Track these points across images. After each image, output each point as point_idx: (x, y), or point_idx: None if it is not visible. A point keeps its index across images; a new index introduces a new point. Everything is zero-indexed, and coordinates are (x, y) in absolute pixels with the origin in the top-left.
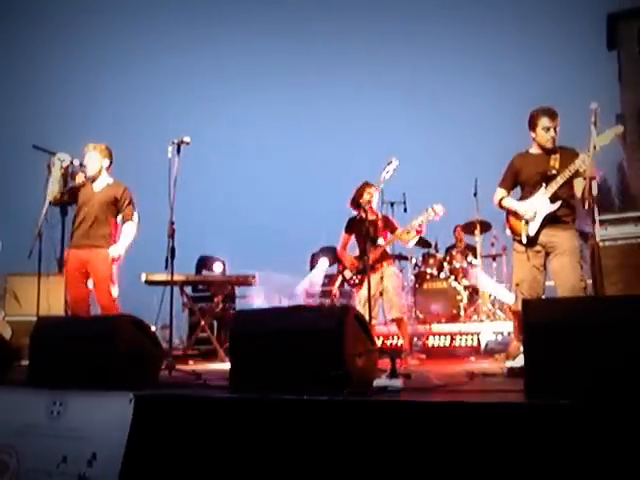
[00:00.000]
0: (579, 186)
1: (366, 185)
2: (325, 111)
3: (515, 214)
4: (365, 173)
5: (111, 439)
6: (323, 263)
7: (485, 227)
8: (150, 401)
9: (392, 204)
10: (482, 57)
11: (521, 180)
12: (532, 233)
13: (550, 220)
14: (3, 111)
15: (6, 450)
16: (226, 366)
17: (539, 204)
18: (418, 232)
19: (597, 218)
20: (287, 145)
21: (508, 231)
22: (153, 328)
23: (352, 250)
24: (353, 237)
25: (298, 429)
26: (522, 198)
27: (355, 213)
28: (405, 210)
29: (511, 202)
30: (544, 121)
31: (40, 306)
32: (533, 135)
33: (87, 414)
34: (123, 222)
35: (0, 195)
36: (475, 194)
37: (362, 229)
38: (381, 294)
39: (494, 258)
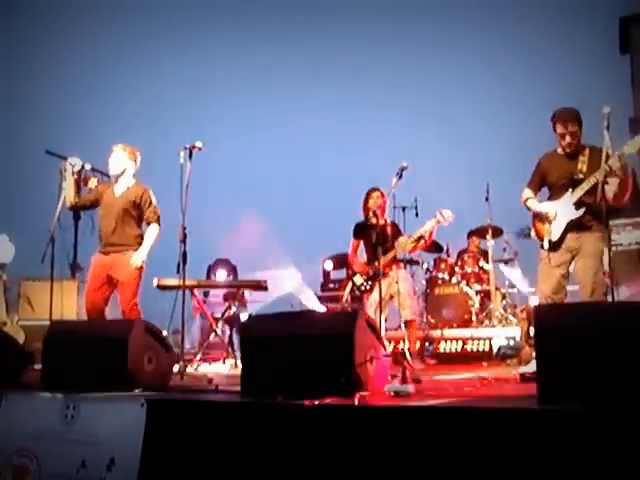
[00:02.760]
0: (612, 186)
1: (372, 191)
2: (336, 115)
3: (539, 217)
4: (377, 177)
5: (127, 444)
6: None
7: (497, 232)
8: (162, 406)
9: (403, 209)
10: (493, 60)
11: (548, 182)
12: (555, 238)
13: (574, 226)
14: (16, 115)
15: (25, 454)
16: (237, 371)
17: (563, 209)
18: (426, 241)
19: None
20: (298, 148)
21: (533, 233)
22: (165, 333)
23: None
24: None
25: (309, 434)
26: (549, 200)
27: (362, 219)
28: (417, 215)
29: (535, 204)
30: (558, 127)
31: (53, 310)
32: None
33: (101, 418)
34: (147, 224)
35: (13, 200)
36: (487, 199)
37: (370, 235)
38: (391, 297)
39: (506, 263)
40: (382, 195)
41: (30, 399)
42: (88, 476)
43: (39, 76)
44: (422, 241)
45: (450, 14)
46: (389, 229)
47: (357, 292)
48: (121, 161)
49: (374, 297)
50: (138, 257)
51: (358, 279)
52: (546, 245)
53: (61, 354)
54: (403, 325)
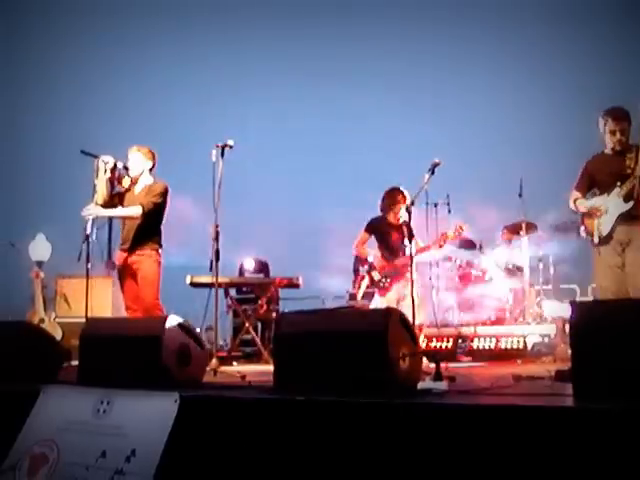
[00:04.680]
0: None
1: (395, 190)
2: (367, 111)
3: (588, 214)
4: (409, 174)
5: (152, 437)
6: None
7: (531, 228)
8: (195, 402)
9: (436, 205)
10: (528, 55)
11: (597, 181)
12: (605, 232)
13: (624, 218)
14: (51, 115)
15: (48, 444)
16: (270, 368)
17: (613, 202)
18: (429, 248)
19: None
20: (330, 145)
21: (583, 233)
22: (198, 330)
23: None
24: (371, 237)
25: (341, 431)
26: (600, 194)
27: (378, 215)
28: (449, 211)
29: (584, 202)
30: (610, 124)
31: (89, 308)
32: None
33: (132, 413)
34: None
35: (50, 200)
36: (520, 195)
37: (387, 233)
38: (404, 299)
39: (540, 259)
40: (404, 197)
41: (66, 393)
42: (106, 466)
43: (74, 78)
44: (436, 246)
45: (477, 11)
46: (404, 229)
47: (374, 288)
48: (138, 162)
49: (392, 296)
50: (87, 208)
51: (376, 275)
52: (596, 240)
53: (97, 351)
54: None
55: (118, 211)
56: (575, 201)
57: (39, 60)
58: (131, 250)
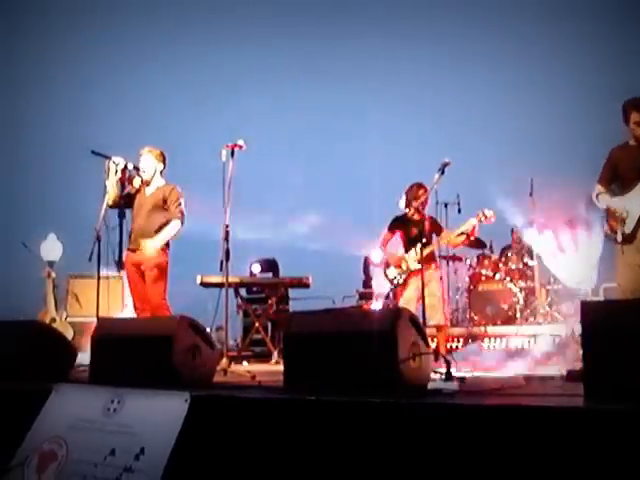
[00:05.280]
0: None
1: (416, 186)
2: (378, 111)
3: (612, 213)
4: (418, 173)
5: (161, 435)
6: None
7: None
8: (205, 401)
9: (446, 205)
10: (540, 53)
11: (619, 173)
12: (628, 231)
13: None
14: (61, 117)
15: (57, 441)
16: (280, 367)
17: (635, 201)
18: (469, 237)
19: None
20: (341, 145)
21: (607, 230)
22: (208, 330)
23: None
24: (395, 236)
25: (351, 431)
26: (621, 192)
27: (401, 212)
28: (459, 211)
29: (606, 199)
30: (634, 116)
31: (100, 307)
32: (628, 128)
33: (142, 412)
34: (169, 220)
35: (61, 200)
36: (531, 194)
37: (409, 229)
38: (420, 298)
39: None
40: (426, 191)
41: (77, 392)
42: (115, 463)
43: (84, 77)
44: (464, 237)
45: (491, 7)
46: (427, 225)
47: (390, 285)
48: (151, 164)
49: (409, 294)
50: (151, 243)
51: (391, 272)
52: (619, 238)
53: (108, 350)
54: (432, 328)
55: (166, 235)
56: (597, 196)
57: (46, 58)
58: (140, 249)
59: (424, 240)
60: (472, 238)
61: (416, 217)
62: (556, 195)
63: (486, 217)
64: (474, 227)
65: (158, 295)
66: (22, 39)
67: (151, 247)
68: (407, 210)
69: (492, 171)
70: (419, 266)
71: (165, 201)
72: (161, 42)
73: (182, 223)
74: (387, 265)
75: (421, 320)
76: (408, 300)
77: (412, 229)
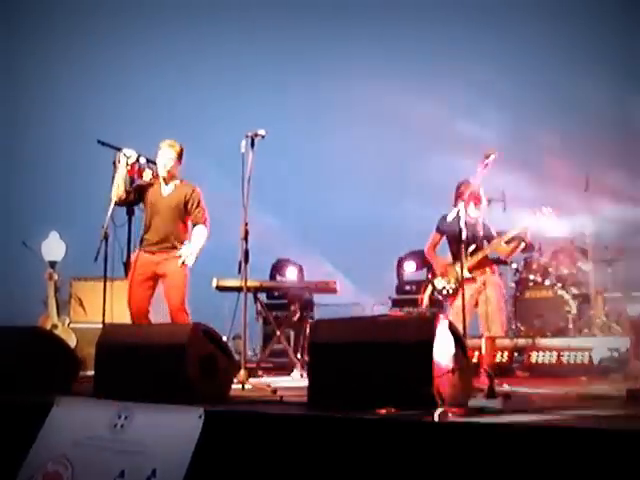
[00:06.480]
0: None
1: (464, 184)
2: (414, 102)
3: None
4: (459, 168)
5: (174, 456)
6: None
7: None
8: (221, 418)
9: (489, 202)
10: (598, 45)
11: None
12: None
13: None
14: (67, 106)
15: (62, 461)
16: (304, 381)
17: None
18: (524, 243)
19: None
20: (372, 139)
21: None
22: (224, 338)
23: (440, 253)
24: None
25: (382, 453)
26: None
27: (451, 211)
28: (504, 209)
29: None
30: None
31: (106, 313)
32: None
33: (152, 429)
34: (193, 225)
35: (64, 195)
36: (586, 191)
37: (458, 231)
38: (476, 305)
39: (609, 262)
40: (468, 186)
41: (81, 406)
42: None
43: (89, 75)
44: (520, 243)
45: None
46: (480, 227)
47: (438, 296)
48: (173, 159)
49: (460, 302)
50: (190, 255)
51: (439, 282)
52: None
53: (115, 360)
54: (484, 340)
55: (200, 244)
56: None
57: (50, 42)
58: (159, 252)
59: (476, 245)
60: (524, 243)
61: (467, 218)
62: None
63: (543, 216)
64: (527, 230)
65: (179, 299)
66: (24, 39)
67: (191, 257)
68: (457, 210)
69: (542, 164)
70: (471, 274)
71: (185, 203)
72: (167, 40)
73: (207, 227)
74: (434, 274)
75: (478, 331)
76: (459, 310)
77: (462, 231)
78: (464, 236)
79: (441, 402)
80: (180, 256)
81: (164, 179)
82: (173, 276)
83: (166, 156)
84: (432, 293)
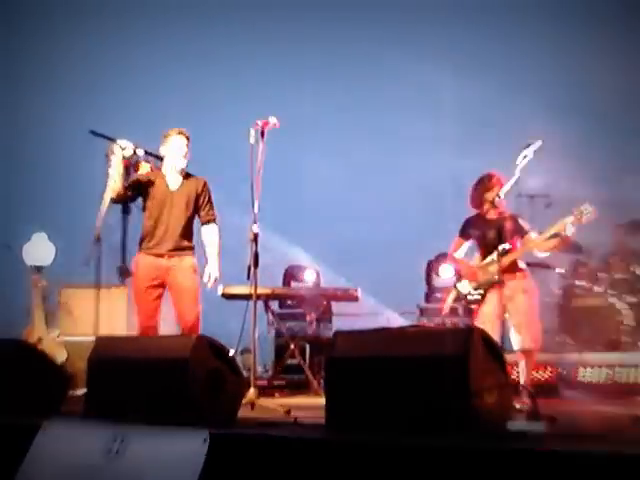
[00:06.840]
0: None
1: (488, 177)
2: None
3: None
4: (493, 164)
5: None
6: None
7: None
8: (228, 441)
9: (532, 197)
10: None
11: None
12: None
13: None
14: (56, 95)
15: None
16: (321, 400)
17: None
18: (563, 240)
19: None
20: (395, 137)
21: None
22: (232, 352)
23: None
24: (469, 242)
25: None
26: None
27: (474, 213)
28: (548, 205)
29: None
30: None
31: (99, 324)
32: None
33: (151, 454)
34: (202, 224)
35: (53, 192)
36: None
37: (485, 232)
38: (505, 312)
39: None
40: (499, 180)
41: (71, 430)
42: None
43: (77, 70)
44: (557, 240)
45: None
46: (508, 225)
47: (464, 303)
48: (185, 150)
49: (487, 310)
50: (214, 267)
51: (464, 287)
52: None
53: (109, 377)
54: (522, 354)
55: (215, 250)
56: None
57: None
58: (169, 254)
59: (506, 245)
60: (567, 241)
61: (493, 215)
62: None
63: (583, 214)
64: (565, 229)
65: (195, 315)
66: (25, 40)
67: (216, 269)
68: (479, 209)
69: (590, 157)
70: (501, 278)
71: (196, 199)
72: (172, 41)
73: (218, 226)
74: (459, 278)
75: (502, 343)
76: (486, 318)
77: (489, 231)
78: (492, 235)
79: (478, 424)
80: (194, 263)
81: (178, 171)
82: (188, 289)
83: (180, 145)
84: (456, 299)
